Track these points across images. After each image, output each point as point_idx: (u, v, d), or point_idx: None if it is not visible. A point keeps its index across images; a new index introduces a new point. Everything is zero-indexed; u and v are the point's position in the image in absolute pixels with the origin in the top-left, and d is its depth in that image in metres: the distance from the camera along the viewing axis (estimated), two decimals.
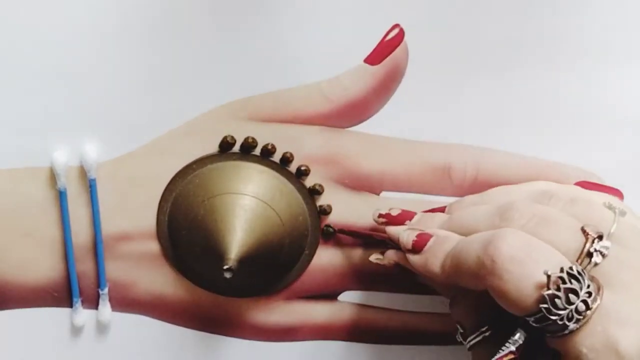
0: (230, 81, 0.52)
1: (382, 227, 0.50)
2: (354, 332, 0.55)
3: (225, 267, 0.48)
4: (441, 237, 0.46)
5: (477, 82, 0.53)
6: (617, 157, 0.54)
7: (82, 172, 0.52)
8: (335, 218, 0.52)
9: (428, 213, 0.50)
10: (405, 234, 0.47)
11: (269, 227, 0.51)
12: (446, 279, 0.45)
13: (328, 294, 0.54)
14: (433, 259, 0.45)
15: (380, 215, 0.51)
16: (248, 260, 0.49)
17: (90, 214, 0.52)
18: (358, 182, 0.52)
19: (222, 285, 0.53)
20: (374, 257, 0.51)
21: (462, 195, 0.53)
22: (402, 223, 0.50)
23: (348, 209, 0.52)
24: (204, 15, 0.51)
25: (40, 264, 0.52)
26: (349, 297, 0.54)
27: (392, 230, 0.49)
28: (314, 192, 0.52)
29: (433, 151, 0.52)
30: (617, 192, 0.51)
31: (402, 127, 0.53)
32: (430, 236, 0.46)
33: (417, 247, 0.46)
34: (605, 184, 0.53)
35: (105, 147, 0.52)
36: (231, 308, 0.54)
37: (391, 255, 0.49)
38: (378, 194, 0.53)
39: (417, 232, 0.47)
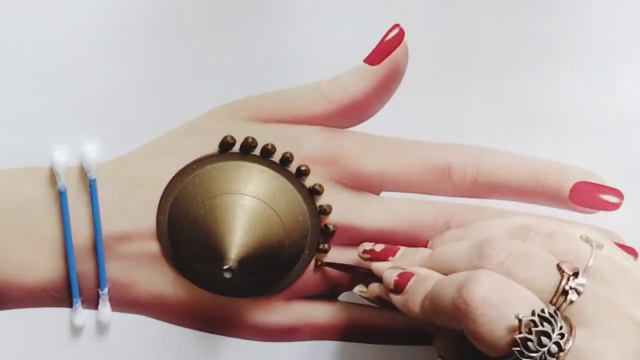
0: (230, 81, 0.52)
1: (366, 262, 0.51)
2: (354, 332, 0.55)
3: (225, 267, 0.48)
4: (421, 276, 0.46)
5: (477, 82, 0.53)
6: (617, 157, 0.54)
7: (82, 172, 0.52)
8: (335, 218, 0.52)
9: (411, 249, 0.50)
10: (388, 272, 0.48)
11: (269, 227, 0.51)
12: (425, 318, 0.45)
13: (328, 294, 0.54)
14: (413, 299, 0.46)
15: (364, 251, 0.51)
16: (248, 260, 0.49)
17: (90, 214, 0.52)
18: (358, 182, 0.52)
19: (222, 285, 0.53)
20: (358, 290, 0.51)
21: (462, 195, 0.53)
22: (385, 259, 0.50)
23: (348, 209, 0.52)
24: (204, 15, 0.51)
25: (40, 264, 0.52)
26: (349, 297, 0.54)
27: (376, 266, 0.50)
28: (313, 192, 0.52)
29: (433, 151, 0.52)
30: (617, 193, 0.51)
31: (402, 127, 0.53)
32: (411, 275, 0.47)
33: (399, 287, 0.47)
34: (605, 184, 0.53)
35: (105, 147, 0.52)
36: (231, 308, 0.54)
37: (374, 289, 0.50)
38: (378, 194, 0.53)
39: (398, 272, 0.47)
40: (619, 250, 0.45)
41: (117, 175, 0.52)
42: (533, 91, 0.53)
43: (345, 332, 0.55)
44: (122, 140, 0.52)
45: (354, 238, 0.53)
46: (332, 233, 0.53)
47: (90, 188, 0.52)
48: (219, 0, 0.51)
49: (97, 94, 0.51)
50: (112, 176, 0.52)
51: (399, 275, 0.47)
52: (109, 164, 0.52)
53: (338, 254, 0.53)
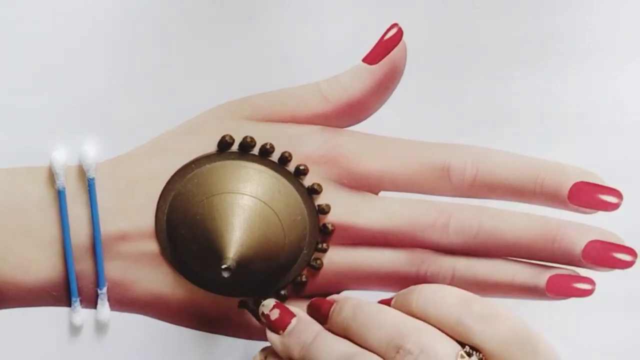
0: (230, 81, 0.52)
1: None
2: None
3: (223, 266, 0.48)
4: (303, 324, 0.49)
5: (476, 81, 0.53)
6: (617, 157, 0.54)
7: (81, 171, 0.52)
8: (333, 217, 0.52)
9: (306, 320, 0.50)
10: (279, 344, 0.50)
11: (267, 227, 0.51)
12: None
13: (328, 294, 0.54)
14: (291, 345, 0.49)
15: (262, 314, 0.51)
16: (246, 259, 0.49)
17: (89, 214, 0.52)
18: (357, 181, 0.52)
19: (220, 284, 0.53)
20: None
21: (461, 195, 0.52)
22: (277, 331, 0.50)
23: (347, 209, 0.52)
24: (203, 16, 0.51)
25: (38, 264, 0.52)
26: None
27: (269, 336, 0.51)
28: (312, 192, 0.52)
29: (432, 151, 0.52)
30: (616, 193, 0.51)
31: (402, 127, 0.53)
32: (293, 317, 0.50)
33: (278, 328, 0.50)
34: (605, 184, 0.52)
35: (104, 146, 0.52)
36: (230, 308, 0.54)
37: None
38: (377, 194, 0.53)
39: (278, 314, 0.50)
40: None
41: (116, 174, 0.52)
42: (533, 91, 0.53)
43: None
44: (121, 140, 0.52)
45: (352, 237, 0.52)
46: (331, 232, 0.52)
47: (89, 187, 0.52)
48: (219, 1, 0.51)
49: (96, 94, 0.51)
50: (111, 175, 0.52)
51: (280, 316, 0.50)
52: (108, 164, 0.52)
53: (337, 254, 0.53)
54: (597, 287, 0.51)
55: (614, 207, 0.51)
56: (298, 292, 0.53)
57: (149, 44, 0.51)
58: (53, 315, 0.53)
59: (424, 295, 0.48)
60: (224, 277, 0.48)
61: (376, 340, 0.47)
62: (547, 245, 0.51)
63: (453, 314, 0.47)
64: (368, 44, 0.51)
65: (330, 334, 0.49)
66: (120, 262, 0.52)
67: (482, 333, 0.46)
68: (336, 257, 0.53)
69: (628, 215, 0.53)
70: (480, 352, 0.46)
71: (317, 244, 0.53)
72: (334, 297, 0.51)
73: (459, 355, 0.45)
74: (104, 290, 0.53)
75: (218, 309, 0.54)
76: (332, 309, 0.50)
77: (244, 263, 0.49)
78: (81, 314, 0.53)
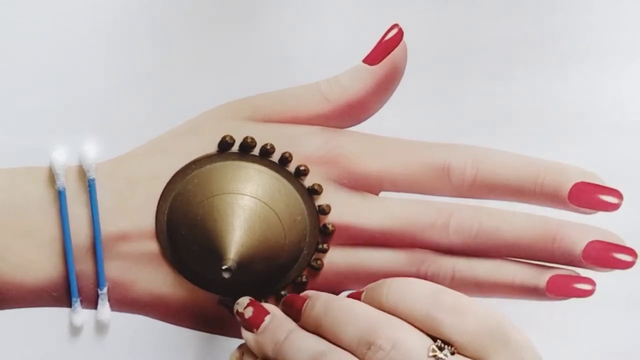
0: (230, 81, 0.52)
1: None
2: None
3: (224, 267, 0.48)
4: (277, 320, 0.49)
5: (476, 82, 0.53)
6: (617, 157, 0.54)
7: (81, 171, 0.52)
8: (334, 218, 0.52)
9: (280, 317, 0.50)
10: (253, 342, 0.50)
11: (268, 227, 0.51)
12: None
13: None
14: (264, 342, 0.49)
15: (236, 312, 0.51)
16: (247, 260, 0.49)
17: (89, 214, 0.52)
18: (357, 181, 0.52)
19: (221, 285, 0.53)
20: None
21: (461, 195, 0.52)
22: (250, 329, 0.50)
23: (347, 209, 0.52)
24: (203, 16, 0.51)
25: (39, 264, 0.52)
26: None
27: (244, 335, 0.51)
28: (312, 192, 0.52)
29: (432, 151, 0.52)
30: (616, 193, 0.51)
31: (402, 127, 0.53)
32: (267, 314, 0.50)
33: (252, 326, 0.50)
34: (605, 184, 0.52)
35: (104, 146, 0.52)
36: (230, 308, 0.54)
37: None
38: (377, 194, 0.53)
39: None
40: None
41: (116, 174, 0.52)
42: (533, 91, 0.53)
43: None
44: (121, 140, 0.52)
45: (353, 238, 0.52)
46: (331, 233, 0.52)
47: (90, 188, 0.52)
48: (219, 1, 0.51)
49: (96, 94, 0.51)
50: (111, 176, 0.52)
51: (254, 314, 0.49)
52: (108, 164, 0.52)
53: (337, 254, 0.53)
54: (597, 287, 0.51)
55: (614, 207, 0.51)
56: (298, 292, 0.53)
57: (149, 44, 0.51)
58: (53, 316, 0.53)
59: (393, 289, 0.48)
60: (224, 278, 0.48)
61: (347, 336, 0.47)
62: (547, 246, 0.51)
63: (423, 308, 0.47)
64: (368, 44, 0.51)
65: (303, 331, 0.49)
66: (120, 262, 0.52)
67: (452, 326, 0.46)
68: (336, 258, 0.53)
69: (628, 215, 0.53)
70: (451, 345, 0.46)
71: (318, 244, 0.53)
72: (308, 293, 0.51)
73: (431, 350, 0.45)
74: (104, 290, 0.53)
75: (218, 309, 0.54)
76: (304, 306, 0.50)
77: (245, 263, 0.49)
78: (81, 314, 0.53)
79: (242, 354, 0.51)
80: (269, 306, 0.51)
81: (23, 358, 0.54)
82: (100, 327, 0.54)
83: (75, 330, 0.54)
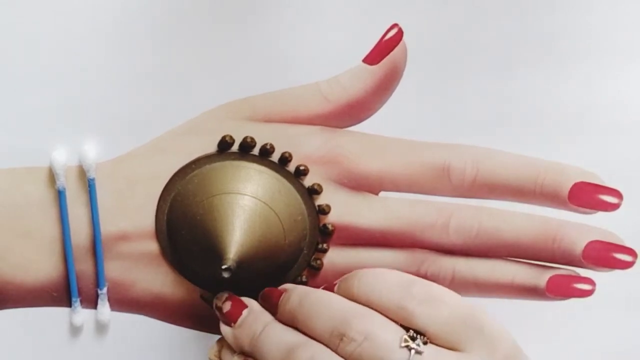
0: (230, 81, 0.52)
1: None
2: None
3: (223, 266, 0.48)
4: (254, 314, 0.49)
5: (476, 82, 0.53)
6: (617, 157, 0.54)
7: (81, 171, 0.52)
8: (334, 218, 0.52)
9: (257, 310, 0.50)
10: (231, 336, 0.50)
11: (267, 227, 0.51)
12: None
13: None
14: (241, 336, 0.49)
15: (215, 306, 0.51)
16: (247, 260, 0.49)
17: (89, 214, 0.52)
18: (357, 181, 0.52)
19: (220, 284, 0.53)
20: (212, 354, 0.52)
21: (461, 195, 0.52)
22: (228, 323, 0.50)
23: (347, 209, 0.52)
24: (203, 16, 0.51)
25: (39, 264, 0.52)
26: None
27: (222, 329, 0.51)
28: (312, 192, 0.52)
29: (432, 151, 0.52)
30: (616, 193, 0.51)
31: (402, 127, 0.53)
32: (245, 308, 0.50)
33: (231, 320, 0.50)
34: (605, 184, 0.52)
35: (105, 146, 0.52)
36: None
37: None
38: (377, 194, 0.53)
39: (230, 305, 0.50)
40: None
41: (116, 174, 0.52)
42: (533, 91, 0.53)
43: None
44: (121, 140, 0.52)
45: (353, 238, 0.52)
46: (331, 233, 0.52)
47: (90, 188, 0.52)
48: (219, 1, 0.51)
49: (96, 94, 0.51)
50: (111, 176, 0.52)
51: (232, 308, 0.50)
52: (108, 164, 0.52)
53: (337, 254, 0.53)
54: (597, 287, 0.51)
55: (614, 207, 0.51)
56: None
57: (149, 44, 0.51)
58: (53, 316, 0.53)
59: (363, 280, 0.48)
60: (224, 278, 0.48)
61: (320, 328, 0.47)
62: (547, 246, 0.51)
63: (394, 298, 0.47)
64: (368, 44, 0.51)
65: (279, 324, 0.49)
66: (120, 262, 0.52)
67: (424, 316, 0.46)
68: (336, 258, 0.53)
69: (628, 215, 0.53)
70: (424, 335, 0.46)
71: (318, 244, 0.53)
72: (285, 286, 0.51)
73: (403, 340, 0.45)
74: (104, 290, 0.53)
75: None
76: (280, 299, 0.50)
77: (244, 263, 0.49)
78: (81, 314, 0.53)
79: (221, 348, 0.51)
80: (247, 300, 0.51)
81: (23, 358, 0.54)
82: (100, 327, 0.54)
83: (75, 330, 0.54)
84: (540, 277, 0.52)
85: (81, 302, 0.53)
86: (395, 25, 0.51)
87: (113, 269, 0.52)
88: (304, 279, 0.53)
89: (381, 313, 0.47)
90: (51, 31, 0.50)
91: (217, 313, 0.51)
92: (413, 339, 0.46)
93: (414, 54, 0.52)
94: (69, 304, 0.53)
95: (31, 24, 0.50)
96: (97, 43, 0.50)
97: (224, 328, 0.50)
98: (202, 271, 0.52)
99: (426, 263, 0.52)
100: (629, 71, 0.53)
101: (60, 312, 0.54)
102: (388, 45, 0.51)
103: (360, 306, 0.47)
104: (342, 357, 0.46)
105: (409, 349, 0.45)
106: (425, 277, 0.52)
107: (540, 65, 0.52)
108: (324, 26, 0.51)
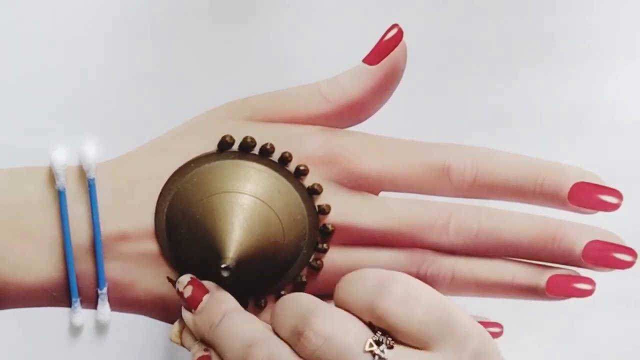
0: (230, 81, 0.52)
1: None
2: None
3: (223, 266, 0.48)
4: (215, 298, 0.49)
5: (476, 82, 0.53)
6: (617, 157, 0.54)
7: (81, 171, 0.52)
8: (333, 218, 0.52)
9: (218, 295, 0.50)
10: (192, 322, 0.50)
11: (267, 227, 0.51)
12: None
13: (328, 294, 0.54)
14: (202, 323, 0.49)
15: (178, 292, 0.51)
16: (246, 259, 0.49)
17: (89, 214, 0.52)
18: (357, 182, 0.52)
19: (220, 284, 0.53)
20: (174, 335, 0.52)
21: (461, 195, 0.52)
22: (189, 309, 0.50)
23: (347, 209, 0.52)
24: (203, 16, 0.51)
25: (39, 264, 0.52)
26: None
27: (184, 315, 0.50)
28: (312, 192, 0.52)
29: (432, 151, 0.52)
30: (616, 193, 0.51)
31: (402, 127, 0.53)
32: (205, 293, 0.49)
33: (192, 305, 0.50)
34: (605, 184, 0.52)
35: (104, 146, 0.52)
36: None
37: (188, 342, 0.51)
38: (377, 194, 0.53)
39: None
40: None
41: (116, 174, 0.52)
42: (533, 91, 0.53)
43: None
44: (121, 140, 0.52)
45: (353, 238, 0.52)
46: (331, 233, 0.52)
47: (89, 188, 0.52)
48: (219, 1, 0.51)
49: (96, 94, 0.51)
50: (111, 176, 0.52)
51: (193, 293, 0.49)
52: (108, 164, 0.52)
53: (337, 254, 0.53)
54: (597, 287, 0.51)
55: (614, 207, 0.51)
56: (298, 292, 0.53)
57: (149, 44, 0.51)
58: (53, 316, 0.53)
59: (345, 281, 0.48)
60: (223, 277, 0.48)
61: (283, 324, 0.47)
62: (547, 246, 0.52)
63: (368, 298, 0.46)
64: (368, 45, 0.51)
65: (239, 313, 0.49)
66: (120, 262, 0.52)
67: (398, 315, 0.46)
68: (336, 258, 0.53)
69: (628, 215, 0.53)
70: (392, 338, 0.45)
71: (317, 244, 0.53)
72: None
73: (368, 344, 0.45)
74: (104, 290, 0.53)
75: None
76: None
77: (244, 262, 0.49)
78: (81, 314, 0.53)
79: (182, 329, 0.51)
80: (209, 284, 0.50)
81: (23, 358, 0.54)
82: (100, 327, 0.54)
83: (75, 330, 0.54)
84: (540, 277, 0.52)
85: (81, 302, 0.53)
86: (395, 25, 0.51)
87: (113, 269, 0.52)
88: (303, 278, 0.53)
89: (355, 313, 0.47)
90: (51, 31, 0.50)
91: (180, 298, 0.50)
92: (378, 343, 0.45)
93: (414, 54, 0.52)
94: (69, 304, 0.53)
95: (31, 24, 0.50)
96: (97, 43, 0.50)
97: (185, 314, 0.50)
98: (201, 270, 0.52)
99: (426, 263, 0.52)
100: (629, 71, 0.53)
101: (60, 312, 0.54)
102: (388, 45, 0.51)
103: (326, 305, 0.47)
104: (302, 358, 0.46)
105: (373, 354, 0.45)
106: (425, 277, 0.52)
107: (540, 65, 0.52)
108: (324, 26, 0.51)
